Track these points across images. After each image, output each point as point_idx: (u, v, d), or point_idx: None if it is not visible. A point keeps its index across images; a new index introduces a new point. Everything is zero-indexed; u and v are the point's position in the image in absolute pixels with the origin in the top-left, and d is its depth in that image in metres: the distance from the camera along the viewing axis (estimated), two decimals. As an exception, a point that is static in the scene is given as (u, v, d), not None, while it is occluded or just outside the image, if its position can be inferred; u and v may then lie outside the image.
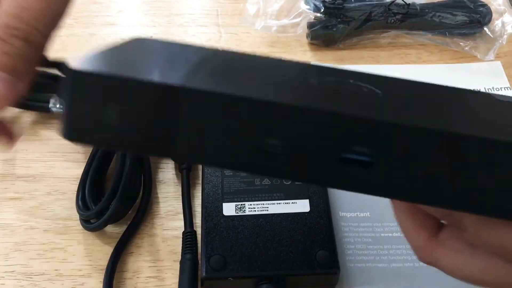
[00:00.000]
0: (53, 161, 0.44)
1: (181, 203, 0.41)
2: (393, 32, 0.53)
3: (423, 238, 0.23)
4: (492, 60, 0.52)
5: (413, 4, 0.52)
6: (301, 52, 0.53)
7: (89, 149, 0.43)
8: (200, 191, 0.41)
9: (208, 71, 0.23)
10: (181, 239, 0.39)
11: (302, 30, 0.53)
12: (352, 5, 0.51)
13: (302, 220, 0.37)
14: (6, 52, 0.23)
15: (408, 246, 0.39)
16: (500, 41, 0.53)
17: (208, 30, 0.54)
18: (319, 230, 0.37)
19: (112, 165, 0.43)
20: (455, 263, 0.22)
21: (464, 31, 0.53)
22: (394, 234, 0.40)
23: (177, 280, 0.36)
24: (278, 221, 0.37)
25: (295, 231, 0.36)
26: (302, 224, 0.37)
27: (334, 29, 0.51)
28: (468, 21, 0.53)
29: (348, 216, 0.41)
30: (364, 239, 0.40)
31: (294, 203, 0.38)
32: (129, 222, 0.40)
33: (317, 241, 0.36)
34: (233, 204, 0.38)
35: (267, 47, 0.53)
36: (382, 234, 0.40)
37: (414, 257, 0.39)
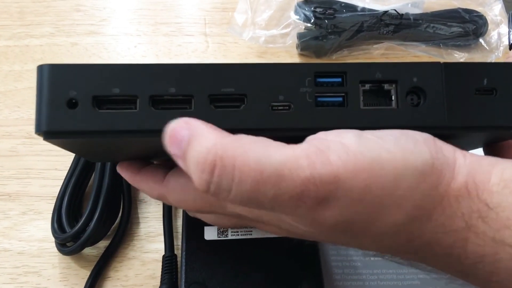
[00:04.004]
0: (29, 179, 0.42)
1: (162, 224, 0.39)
2: (385, 44, 0.51)
3: (154, 183, 0.28)
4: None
5: (407, 14, 0.50)
6: (291, 64, 0.51)
7: (67, 166, 0.41)
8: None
9: None
10: (161, 263, 0.37)
11: (292, 40, 0.51)
12: (343, 15, 0.49)
13: (287, 244, 0.35)
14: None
15: (399, 271, 0.38)
16: (496, 53, 0.51)
17: (194, 40, 0.52)
18: (305, 255, 0.35)
19: (91, 183, 0.41)
20: (176, 198, 0.28)
21: (459, 42, 0.51)
22: (385, 258, 0.38)
23: (155, 308, 0.35)
24: (262, 247, 0.35)
25: (280, 257, 0.35)
26: (287, 249, 0.35)
27: (325, 40, 0.49)
28: (463, 32, 0.51)
29: (336, 238, 0.39)
30: (353, 263, 0.38)
31: (279, 226, 0.36)
32: (107, 244, 0.38)
33: (303, 268, 0.34)
34: (216, 227, 0.36)
35: (255, 58, 0.51)
36: (372, 258, 0.38)
37: (406, 283, 0.38)
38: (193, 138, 0.21)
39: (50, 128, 0.22)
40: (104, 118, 0.23)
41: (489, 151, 0.29)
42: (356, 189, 0.21)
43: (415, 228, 0.22)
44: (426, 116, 0.24)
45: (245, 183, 0.21)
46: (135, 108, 0.23)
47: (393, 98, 0.24)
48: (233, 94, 0.23)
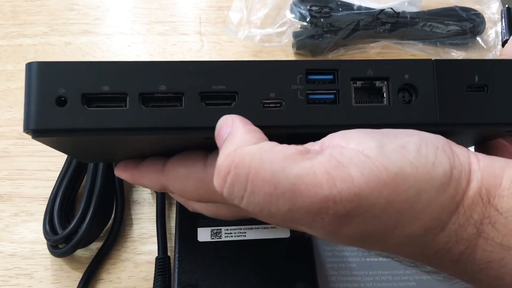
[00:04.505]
0: (22, 180, 0.42)
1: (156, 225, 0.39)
2: (382, 42, 0.50)
3: (155, 174, 0.28)
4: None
5: (403, 13, 0.50)
6: (287, 63, 0.50)
7: (59, 167, 0.40)
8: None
9: None
10: (154, 264, 0.37)
11: (288, 39, 0.50)
12: (339, 14, 0.49)
13: (282, 246, 0.35)
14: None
15: (395, 272, 0.38)
16: (494, 52, 0.50)
17: (189, 39, 0.52)
18: (300, 257, 0.34)
19: (83, 184, 0.40)
20: (177, 187, 0.27)
21: (456, 41, 0.51)
22: (380, 259, 0.38)
23: (148, 310, 0.34)
24: (256, 248, 0.35)
25: (274, 258, 0.34)
26: (282, 251, 0.35)
27: (321, 39, 0.49)
28: (460, 31, 0.51)
29: (331, 240, 0.39)
30: (349, 264, 0.38)
31: (273, 227, 0.36)
32: (99, 246, 0.38)
33: (297, 270, 0.34)
34: (209, 229, 0.36)
35: (251, 57, 0.51)
36: (368, 259, 0.38)
37: (401, 284, 0.37)
38: (227, 138, 0.22)
39: (39, 126, 0.22)
40: (94, 116, 0.22)
41: (479, 151, 0.29)
42: (377, 205, 0.20)
43: (429, 238, 0.22)
44: (417, 113, 0.23)
45: (258, 195, 0.20)
46: (125, 106, 0.23)
47: (384, 95, 0.24)
48: (224, 92, 0.23)
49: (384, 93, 0.24)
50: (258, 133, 0.22)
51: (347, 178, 0.20)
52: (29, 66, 0.22)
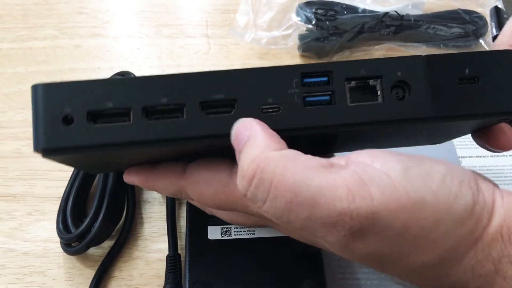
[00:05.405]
0: (34, 180, 0.43)
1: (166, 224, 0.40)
2: (386, 45, 0.51)
3: (173, 177, 0.28)
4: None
5: (407, 15, 0.51)
6: (292, 65, 0.51)
7: (71, 168, 0.41)
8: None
9: None
10: (165, 262, 0.37)
11: (293, 42, 0.51)
12: (344, 17, 0.50)
13: (290, 244, 0.36)
14: None
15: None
16: (496, 54, 0.51)
17: (196, 42, 0.53)
18: (308, 255, 0.35)
19: (95, 183, 0.41)
20: (197, 191, 0.28)
21: (459, 43, 0.52)
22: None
23: (160, 307, 0.35)
24: (265, 246, 0.36)
25: (283, 256, 0.35)
26: (290, 248, 0.35)
27: (326, 41, 0.50)
28: (463, 33, 0.51)
29: (338, 238, 0.40)
30: (355, 262, 0.39)
31: (282, 226, 0.37)
32: (111, 244, 0.39)
33: (305, 268, 0.35)
34: (219, 227, 0.36)
35: (257, 59, 0.52)
36: (374, 257, 0.39)
37: (408, 283, 0.38)
38: (248, 141, 0.22)
39: (48, 145, 0.23)
40: (100, 132, 0.23)
41: (477, 138, 0.29)
42: (394, 227, 0.21)
43: (444, 270, 0.22)
44: (411, 108, 0.24)
45: (279, 201, 0.21)
46: (129, 120, 0.23)
47: (378, 93, 0.24)
48: (223, 100, 0.24)
49: (378, 91, 0.24)
50: (277, 137, 0.23)
51: (367, 196, 0.20)
52: (34, 88, 0.23)
